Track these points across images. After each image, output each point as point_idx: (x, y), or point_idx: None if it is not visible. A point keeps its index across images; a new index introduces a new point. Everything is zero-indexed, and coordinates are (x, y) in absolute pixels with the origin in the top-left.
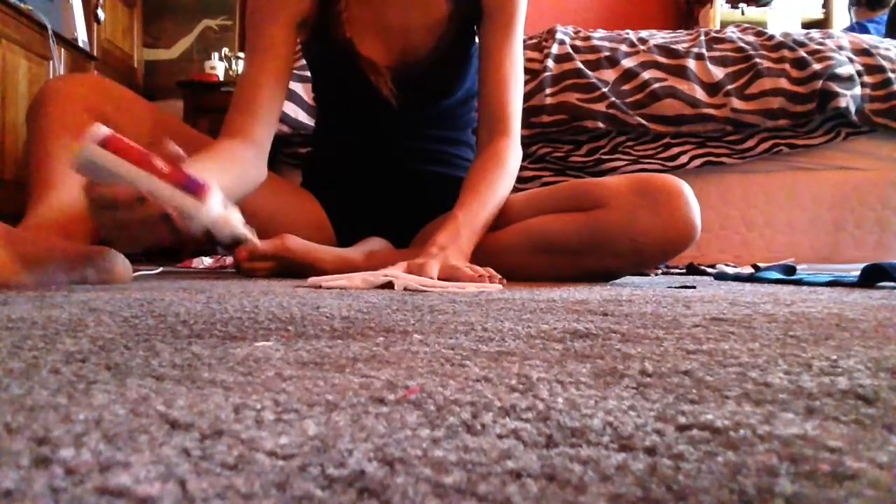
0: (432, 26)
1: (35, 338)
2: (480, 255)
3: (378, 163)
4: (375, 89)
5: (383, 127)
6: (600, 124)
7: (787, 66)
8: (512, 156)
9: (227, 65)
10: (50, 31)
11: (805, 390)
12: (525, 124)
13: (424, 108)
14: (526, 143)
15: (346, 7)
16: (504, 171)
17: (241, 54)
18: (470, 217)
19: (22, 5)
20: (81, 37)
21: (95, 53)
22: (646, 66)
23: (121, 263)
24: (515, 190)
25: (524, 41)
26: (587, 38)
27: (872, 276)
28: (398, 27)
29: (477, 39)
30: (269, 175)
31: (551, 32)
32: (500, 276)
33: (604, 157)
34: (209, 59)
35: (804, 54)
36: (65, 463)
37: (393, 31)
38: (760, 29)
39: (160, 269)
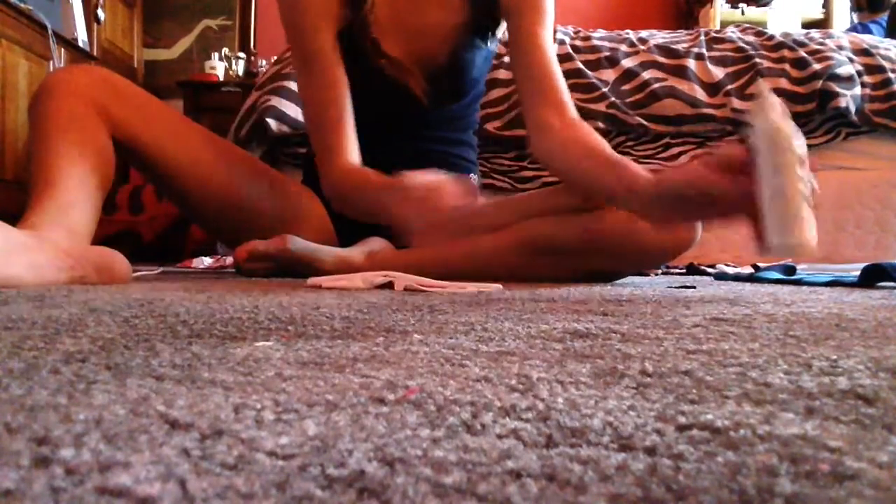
0: (450, 31)
1: (35, 338)
2: (480, 256)
3: (380, 163)
4: (397, 91)
5: (386, 128)
6: (600, 124)
7: (787, 66)
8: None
9: (226, 65)
10: (50, 31)
11: (805, 390)
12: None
13: (433, 111)
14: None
15: (372, 9)
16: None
17: (241, 54)
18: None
19: (22, 5)
20: (81, 37)
21: (95, 53)
22: (646, 66)
23: (121, 263)
24: (515, 191)
25: None
26: (587, 38)
27: (872, 276)
28: (417, 30)
29: (489, 44)
30: (272, 173)
31: None
32: None
33: None
34: (209, 59)
35: (804, 54)
36: (65, 463)
37: (412, 35)
38: (760, 29)
39: (160, 269)
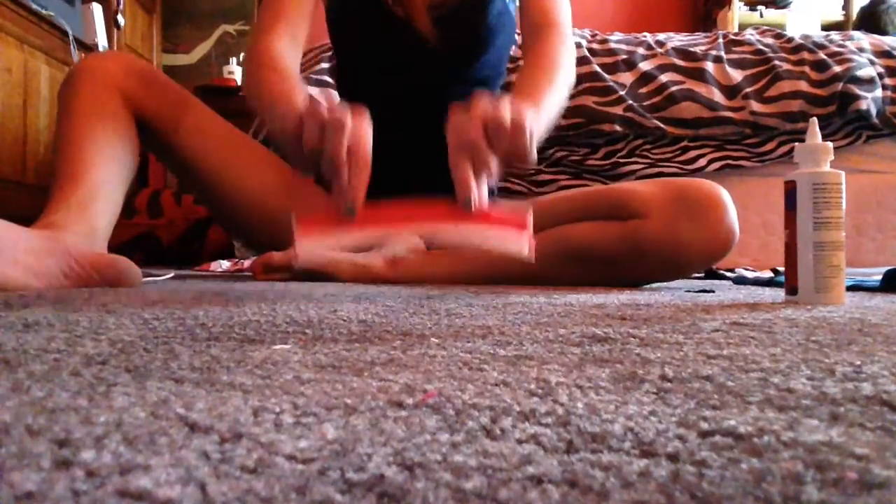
0: None
1: (56, 340)
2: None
3: (409, 127)
4: (410, 34)
5: (413, 92)
6: (617, 127)
7: (806, 69)
8: (563, 49)
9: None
10: (71, 37)
11: (829, 396)
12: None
13: (457, 59)
14: (542, 146)
15: None
16: (556, 64)
17: None
18: (530, 98)
19: (43, 11)
20: (102, 42)
21: None
22: (663, 68)
23: (128, 272)
24: (533, 195)
25: None
26: (604, 41)
27: (895, 281)
28: None
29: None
30: (277, 173)
31: None
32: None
33: (621, 160)
34: (227, 64)
35: (824, 56)
36: (85, 465)
37: None
38: (779, 31)
39: (172, 273)
